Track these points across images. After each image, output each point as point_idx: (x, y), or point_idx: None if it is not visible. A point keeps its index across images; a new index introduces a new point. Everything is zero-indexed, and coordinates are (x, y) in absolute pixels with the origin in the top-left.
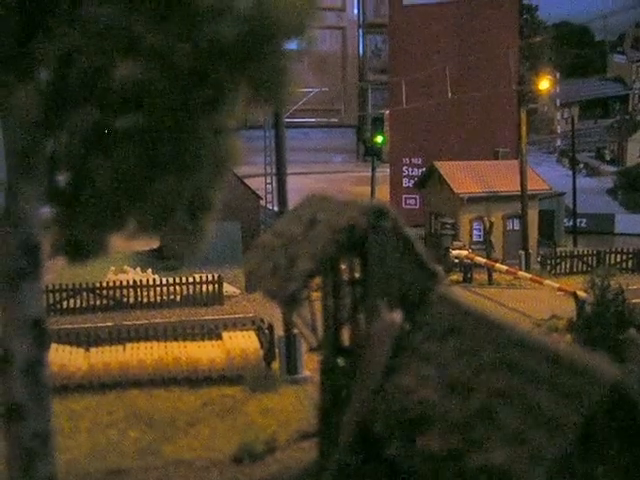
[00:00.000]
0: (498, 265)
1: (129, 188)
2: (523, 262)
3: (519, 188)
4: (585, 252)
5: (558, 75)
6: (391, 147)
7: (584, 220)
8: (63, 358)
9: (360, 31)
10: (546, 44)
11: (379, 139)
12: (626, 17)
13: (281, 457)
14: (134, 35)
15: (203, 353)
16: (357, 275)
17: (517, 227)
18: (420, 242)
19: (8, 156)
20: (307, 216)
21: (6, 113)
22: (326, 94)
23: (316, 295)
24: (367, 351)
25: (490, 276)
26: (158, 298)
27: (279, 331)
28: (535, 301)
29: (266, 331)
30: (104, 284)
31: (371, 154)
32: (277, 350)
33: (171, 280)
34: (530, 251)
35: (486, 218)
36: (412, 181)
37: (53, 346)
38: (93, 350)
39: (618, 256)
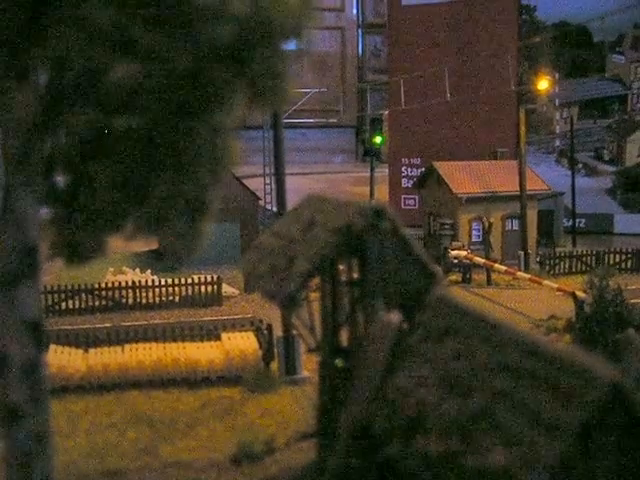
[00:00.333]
0: (497, 265)
1: (127, 189)
2: (522, 262)
3: (518, 188)
4: (584, 252)
5: (557, 75)
6: (390, 147)
7: (583, 220)
8: (62, 359)
9: (359, 31)
10: (545, 44)
11: (378, 139)
12: (625, 17)
13: (280, 458)
14: (131, 36)
15: (202, 354)
16: (355, 276)
17: (516, 227)
18: (419, 242)
19: (5, 157)
20: (306, 217)
21: (3, 114)
22: (325, 94)
23: (314, 296)
24: (365, 352)
25: (489, 276)
26: (157, 299)
27: (278, 332)
28: (534, 301)
29: (265, 332)
30: (103, 285)
31: (370, 154)
32: (276, 351)
33: (170, 281)
34: (529, 251)
35: (485, 218)
36: (411, 181)
37: (52, 347)
38: (92, 351)
39: (617, 256)
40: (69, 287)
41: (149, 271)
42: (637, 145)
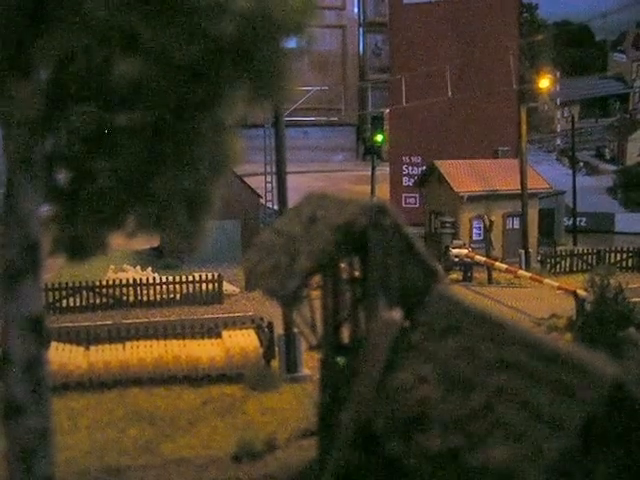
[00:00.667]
0: (498, 264)
1: (129, 185)
2: (523, 261)
3: (519, 187)
4: (585, 251)
5: (558, 74)
6: (391, 146)
7: (584, 219)
8: (63, 357)
9: (360, 30)
10: (546, 43)
11: (379, 138)
12: (626, 16)
13: (281, 455)
14: (134, 32)
15: (203, 352)
16: (357, 273)
17: (517, 226)
18: (420, 241)
19: (8, 154)
20: (307, 214)
21: (5, 111)
22: (326, 93)
23: (316, 293)
24: (367, 349)
25: (490, 275)
26: (158, 297)
27: (279, 329)
28: (535, 300)
29: (266, 329)
30: (104, 283)
31: (371, 153)
32: (277, 348)
33: (171, 279)
34: (530, 250)
35: (486, 217)
36: (412, 180)
37: (53, 345)
38: (93, 349)
39: (618, 255)
40: (70, 284)
41: (150, 269)
42: (638, 144)
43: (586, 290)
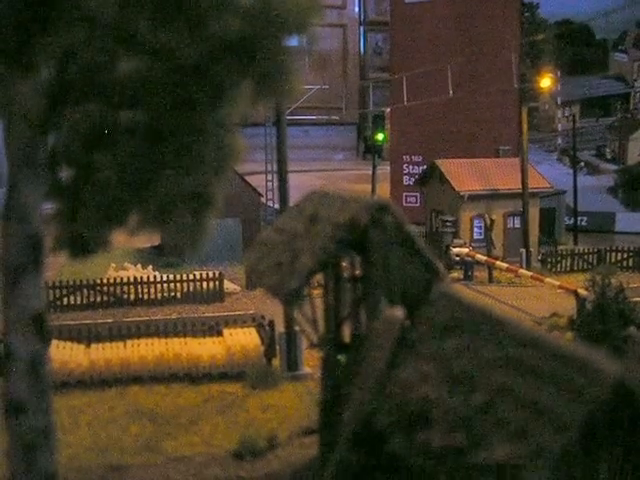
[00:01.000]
0: (499, 263)
1: (131, 183)
2: (524, 260)
3: (520, 186)
4: (586, 250)
5: (559, 73)
6: (392, 145)
7: (585, 218)
8: (64, 354)
9: (361, 29)
10: (547, 42)
11: (380, 137)
12: (627, 15)
13: (282, 453)
14: (136, 30)
15: (204, 350)
16: (358, 271)
17: (518, 225)
18: (421, 239)
19: (10, 151)
20: (309, 212)
21: (8, 109)
22: (327, 92)
23: (317, 291)
24: (368, 347)
25: (491, 274)
26: (159, 295)
27: (280, 328)
28: (536, 299)
29: (267, 328)
30: (105, 281)
31: (372, 152)
32: (278, 347)
33: (172, 277)
34: (531, 249)
35: (487, 216)
36: (412, 179)
37: (54, 342)
38: (94, 346)
39: (619, 254)
40: (71, 283)
41: (151, 267)
42: (639, 143)
43: (587, 289)
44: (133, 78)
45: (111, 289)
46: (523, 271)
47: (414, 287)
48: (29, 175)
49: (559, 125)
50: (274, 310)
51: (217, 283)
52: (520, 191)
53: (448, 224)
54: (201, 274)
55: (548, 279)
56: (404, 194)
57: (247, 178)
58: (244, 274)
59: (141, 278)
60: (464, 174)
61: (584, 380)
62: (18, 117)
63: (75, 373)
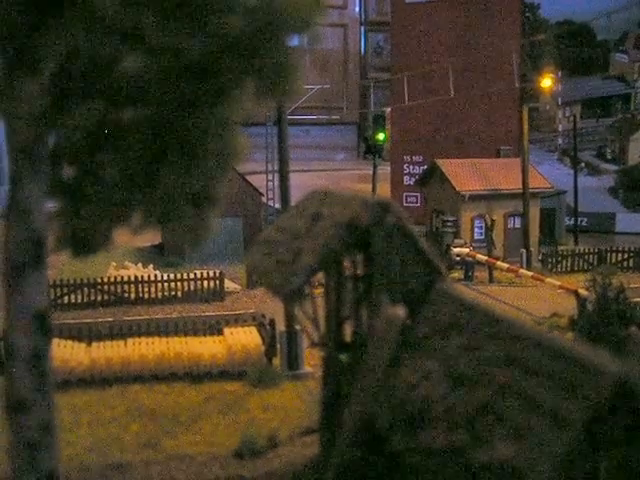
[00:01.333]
0: (499, 263)
1: (134, 181)
2: (524, 260)
3: (521, 186)
4: (586, 250)
5: (560, 73)
6: (392, 145)
7: (585, 219)
8: (65, 353)
9: (362, 29)
10: (548, 42)
11: (381, 136)
12: (628, 16)
13: (283, 452)
14: (140, 28)
15: (205, 349)
16: (360, 270)
17: (518, 225)
18: (423, 239)
19: (12, 149)
20: (310, 211)
21: (10, 106)
22: (328, 91)
23: (318, 291)
24: (369, 346)
25: (491, 274)
26: (159, 294)
27: (280, 327)
28: (536, 299)
29: (267, 327)
30: (105, 280)
31: (372, 152)
32: (278, 346)
33: (172, 276)
34: (531, 249)
35: (487, 216)
36: (413, 179)
37: (55, 341)
38: (95, 345)
39: (619, 255)
40: (72, 281)
41: (152, 266)
42: (639, 144)
43: (587, 289)
44: (136, 76)
45: (112, 288)
46: (524, 271)
47: (415, 286)
48: (31, 173)
49: (560, 125)
50: (275, 309)
51: (218, 282)
52: (521, 191)
53: (449, 224)
54: (202, 273)
55: (548, 279)
56: (405, 194)
57: (248, 178)
58: (245, 273)
59: (142, 277)
60: (465, 174)
61: (585, 379)
62: (20, 115)
63: (76, 372)
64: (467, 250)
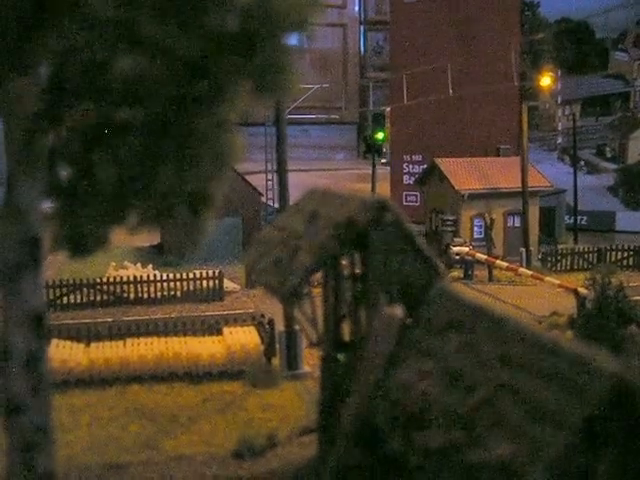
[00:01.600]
0: (499, 262)
1: (130, 181)
2: (524, 259)
3: (520, 185)
4: (586, 249)
5: (559, 72)
6: (392, 144)
7: (585, 217)
8: (63, 353)
9: (361, 28)
10: (547, 41)
11: (380, 136)
12: (627, 14)
13: (282, 452)
14: (135, 28)
15: (204, 348)
16: (358, 270)
17: (518, 224)
18: (421, 238)
19: (9, 150)
20: (309, 211)
21: (6, 106)
22: (327, 91)
23: (317, 290)
24: (368, 346)
25: (491, 273)
26: (158, 294)
27: (280, 326)
28: (536, 298)
29: (266, 326)
30: (104, 280)
31: (371, 151)
32: (277, 345)
33: (172, 276)
34: (531, 248)
35: (487, 215)
36: (413, 178)
37: (53, 341)
38: (93, 345)
39: (619, 253)
40: (71, 282)
41: (151, 266)
42: (639, 143)
43: (587, 288)
44: (132, 76)
45: (111, 288)
46: (523, 270)
47: (414, 285)
48: (28, 173)
49: (559, 124)
50: (274, 309)
51: (217, 282)
52: (520, 190)
53: (448, 223)
54: (201, 273)
55: (548, 278)
56: (404, 193)
57: (247, 177)
58: (244, 273)
59: (141, 277)
60: (464, 173)
61: (584, 378)
62: (16, 115)
63: (75, 372)
64: (467, 249)
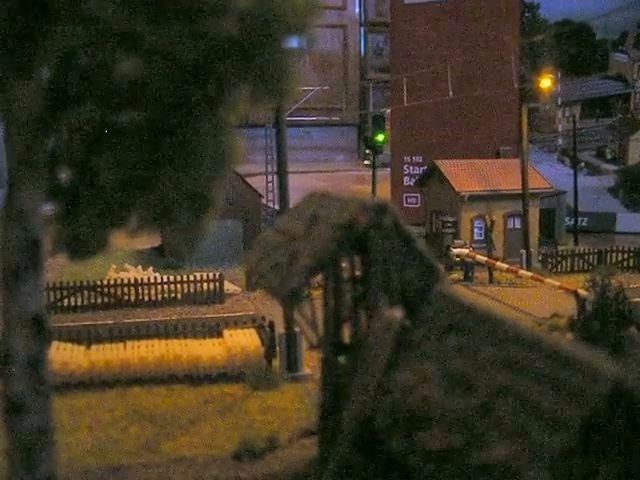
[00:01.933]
0: (499, 263)
1: (131, 184)
2: (524, 260)
3: (520, 186)
4: (586, 251)
5: (559, 74)
6: (392, 145)
7: (585, 219)
8: (64, 356)
9: (361, 30)
10: (547, 42)
11: (380, 138)
12: (628, 15)
13: (282, 455)
14: (135, 31)
15: (204, 351)
16: (358, 272)
17: (518, 225)
18: (421, 240)
19: (9, 152)
20: (309, 213)
21: (6, 110)
22: (327, 93)
23: (317, 293)
24: (368, 348)
25: (491, 275)
26: (159, 296)
27: (280, 329)
28: (536, 299)
29: (267, 329)
30: (105, 282)
31: (372, 153)
32: (278, 348)
33: (172, 278)
34: (531, 250)
35: (487, 216)
36: (413, 180)
37: (54, 344)
38: (94, 348)
39: (619, 255)
40: (71, 284)
41: (151, 268)
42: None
43: (587, 290)
44: (132, 79)
45: (111, 290)
46: (523, 272)
47: (413, 288)
48: (29, 176)
49: (559, 126)
50: (274, 311)
51: (217, 284)
52: (520, 192)
53: (448, 225)
54: (201, 275)
55: (548, 280)
56: (405, 195)
57: (248, 179)
58: (244, 275)
59: (141, 279)
60: (464, 175)
61: (583, 381)
62: (17, 118)
63: (75, 374)
64: (467, 251)
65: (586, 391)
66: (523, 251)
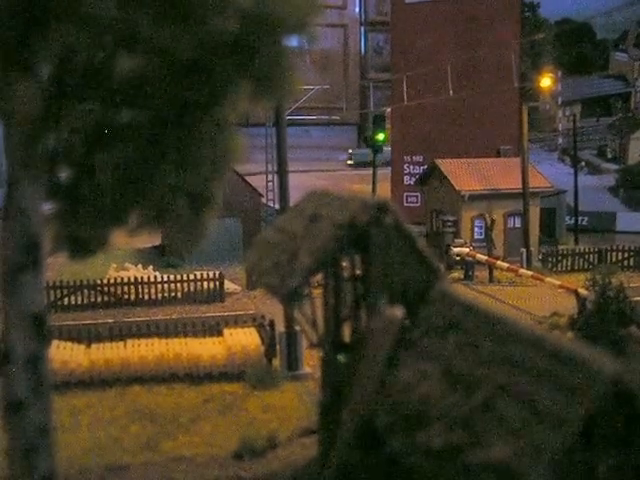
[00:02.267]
0: (499, 263)
1: (130, 183)
2: (524, 260)
3: (520, 186)
4: (586, 250)
5: (560, 73)
6: (393, 145)
7: (585, 218)
8: (64, 354)
9: (362, 29)
10: (548, 42)
11: (380, 137)
12: (628, 14)
13: (282, 453)
14: (135, 30)
15: (204, 350)
16: (358, 271)
17: (518, 225)
18: (421, 239)
19: (9, 151)
20: (309, 211)
21: (7, 108)
22: (328, 92)
23: (317, 291)
24: (368, 347)
25: (491, 274)
26: (159, 295)
27: (280, 327)
28: (536, 299)
29: (267, 327)
30: (105, 281)
31: (372, 152)
32: (278, 346)
33: (172, 277)
34: (531, 249)
35: (487, 215)
36: (413, 179)
37: (54, 343)
38: (94, 346)
39: (619, 254)
40: (72, 283)
41: (151, 267)
42: None
43: (587, 289)
44: (132, 77)
45: (112, 289)
46: (524, 271)
47: (413, 286)
48: (29, 175)
49: (560, 125)
50: (274, 310)
51: (217, 283)
52: (521, 191)
53: (449, 224)
54: (202, 274)
55: (549, 279)
56: (405, 194)
57: (248, 178)
58: (244, 274)
59: (142, 278)
60: (464, 174)
61: (583, 379)
62: (17, 117)
63: (75, 373)
64: (467, 250)
65: (586, 389)
66: (523, 250)
